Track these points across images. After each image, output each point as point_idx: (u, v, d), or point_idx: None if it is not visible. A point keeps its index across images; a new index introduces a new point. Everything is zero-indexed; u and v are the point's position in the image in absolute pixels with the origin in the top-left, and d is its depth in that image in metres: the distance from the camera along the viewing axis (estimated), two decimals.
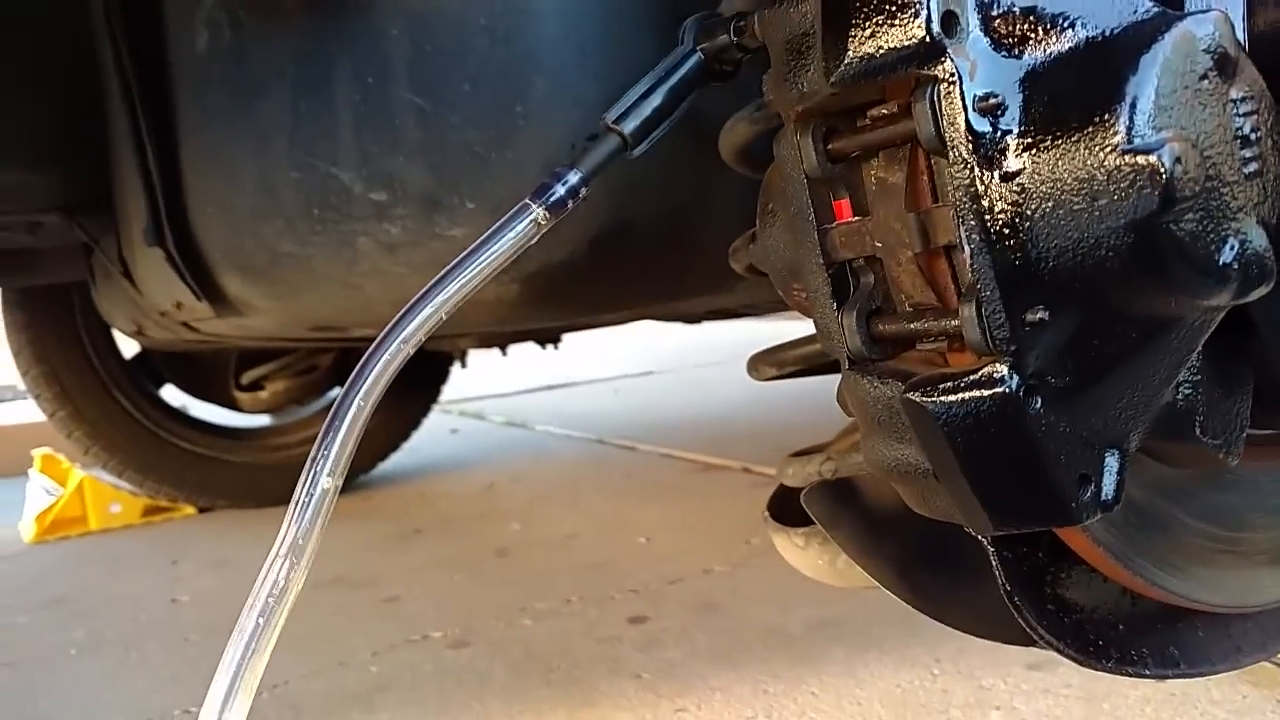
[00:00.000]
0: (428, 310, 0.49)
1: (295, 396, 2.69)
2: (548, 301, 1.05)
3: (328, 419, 0.50)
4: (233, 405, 2.70)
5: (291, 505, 0.51)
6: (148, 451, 2.54)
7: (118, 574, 2.18)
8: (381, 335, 0.49)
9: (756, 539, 1.95)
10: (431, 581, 1.90)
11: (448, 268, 0.50)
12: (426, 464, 3.07)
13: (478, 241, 0.50)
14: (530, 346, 2.87)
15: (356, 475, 2.82)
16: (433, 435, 3.60)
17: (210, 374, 2.66)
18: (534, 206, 0.50)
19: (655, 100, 0.52)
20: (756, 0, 0.53)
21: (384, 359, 0.50)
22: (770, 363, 0.81)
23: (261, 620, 0.50)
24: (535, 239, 0.51)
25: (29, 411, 3.48)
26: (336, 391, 2.71)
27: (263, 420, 2.92)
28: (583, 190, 0.52)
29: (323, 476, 0.49)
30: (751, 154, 0.86)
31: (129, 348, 2.60)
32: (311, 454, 0.50)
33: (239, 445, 2.71)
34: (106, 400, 2.48)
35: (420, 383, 2.84)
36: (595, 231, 0.95)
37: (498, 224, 0.50)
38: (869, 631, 1.43)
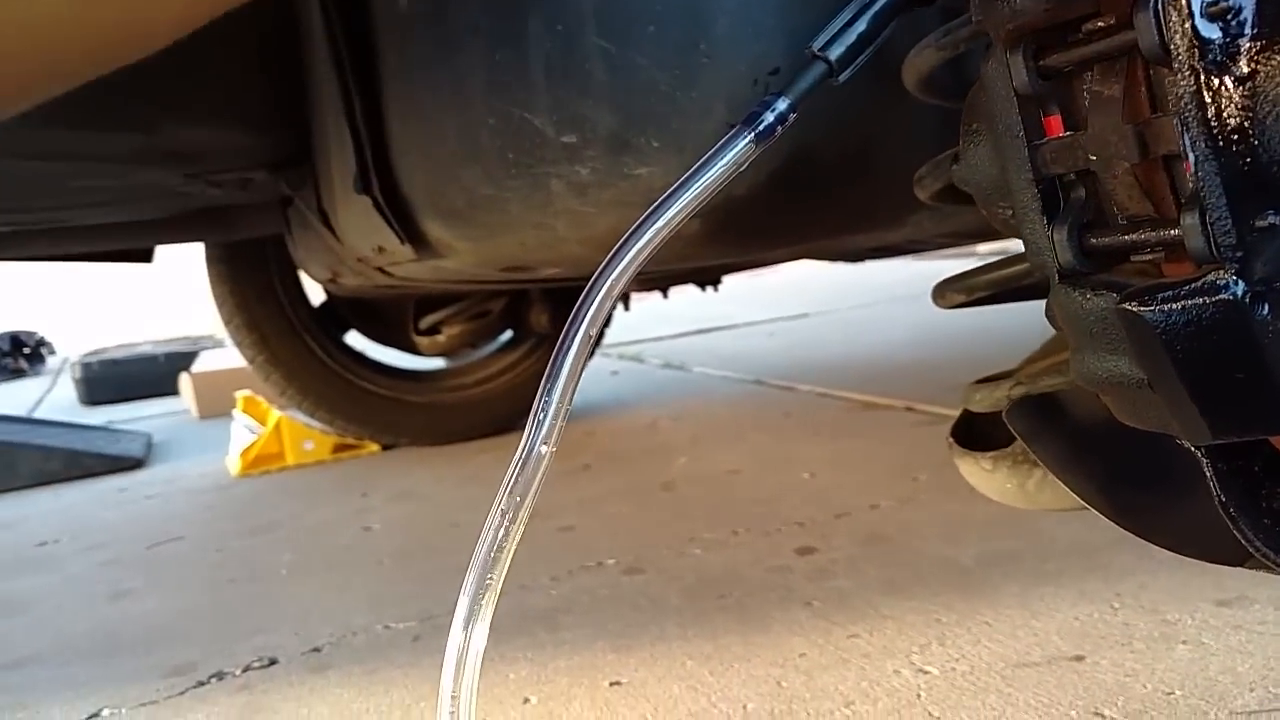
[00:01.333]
0: (648, 236, 0.52)
1: (470, 340, 2.83)
2: (729, 236, 1.08)
3: (557, 346, 0.53)
4: (412, 349, 2.86)
5: (523, 437, 0.55)
6: (336, 393, 2.73)
7: (315, 505, 2.37)
8: (604, 262, 0.53)
9: (923, 475, 1.94)
10: (603, 513, 1.98)
11: (664, 196, 0.52)
12: (591, 404, 3.17)
13: (691, 169, 0.53)
14: (688, 290, 2.91)
15: (524, 414, 2.95)
16: (595, 377, 3.71)
17: (391, 320, 2.82)
18: (745, 133, 0.53)
19: (860, 26, 0.54)
20: None
21: (606, 286, 0.53)
22: (959, 289, 0.81)
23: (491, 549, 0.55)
24: (745, 165, 0.54)
25: (230, 358, 3.78)
26: (507, 335, 2.83)
27: (439, 363, 3.08)
28: (791, 117, 0.54)
29: (552, 405, 0.53)
30: (936, 83, 0.86)
31: (316, 297, 2.79)
32: (545, 377, 0.54)
33: (418, 386, 2.87)
34: (299, 346, 2.67)
35: None
36: (776, 164, 0.97)
37: (710, 151, 0.53)
38: (1044, 567, 1.42)
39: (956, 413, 0.98)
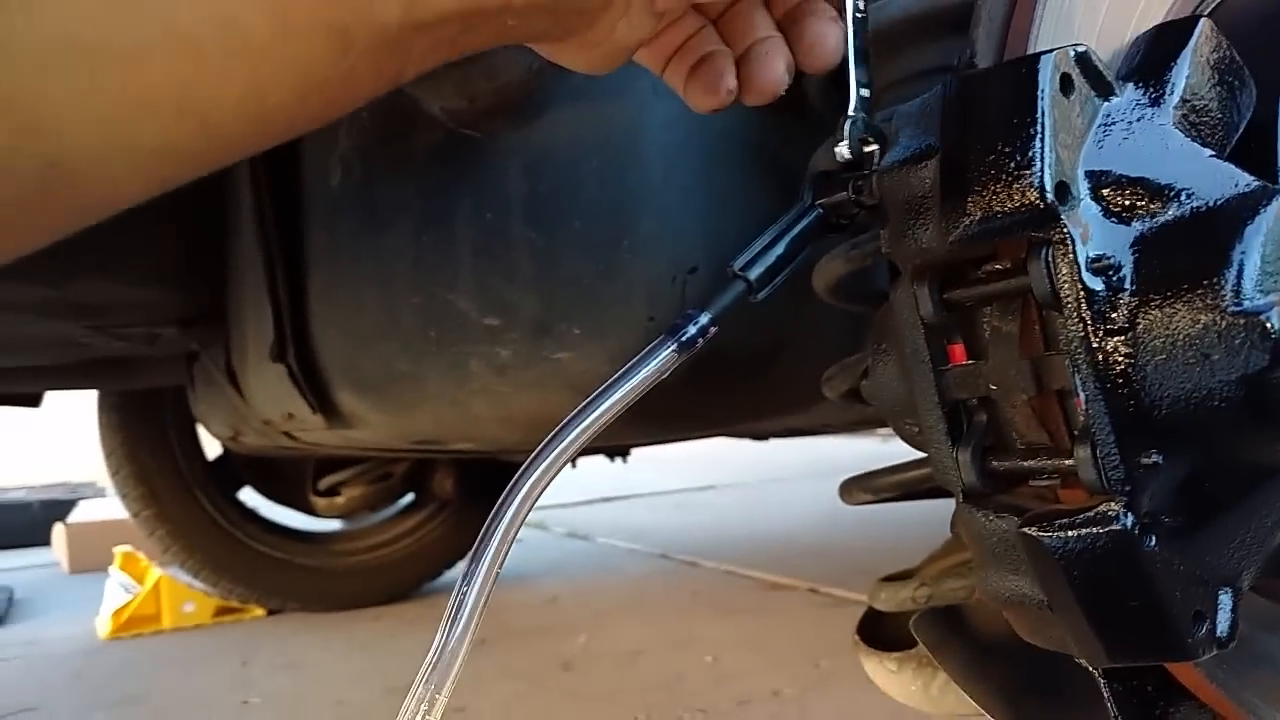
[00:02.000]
0: (574, 434, 0.53)
1: (369, 502, 2.75)
2: (642, 421, 1.09)
3: (477, 541, 0.53)
4: (308, 510, 2.76)
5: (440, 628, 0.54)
6: (224, 552, 2.60)
7: (190, 673, 2.21)
8: (527, 463, 0.53)
9: (825, 661, 1.93)
10: (498, 693, 1.90)
11: (589, 399, 0.54)
12: None
13: (615, 376, 0.54)
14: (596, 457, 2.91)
15: (423, 582, 2.85)
16: None
17: (289, 478, 2.74)
18: (670, 343, 0.55)
19: (778, 250, 0.57)
20: (849, 158, 0.58)
21: (530, 483, 0.53)
22: (865, 489, 0.84)
23: None
24: (669, 373, 0.56)
25: (111, 509, 3.59)
26: (408, 498, 2.76)
27: (334, 525, 2.98)
28: (711, 330, 0.57)
29: (470, 599, 0.52)
30: (843, 289, 0.91)
31: (211, 450, 2.70)
32: (462, 573, 0.53)
33: (310, 549, 2.76)
34: (189, 501, 2.56)
35: (489, 491, 2.89)
36: (689, 360, 1.00)
37: (635, 360, 0.55)
38: None
39: (861, 596, 1.00)
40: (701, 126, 1.01)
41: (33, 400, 2.38)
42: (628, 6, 0.48)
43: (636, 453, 3.51)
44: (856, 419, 1.79)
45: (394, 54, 0.42)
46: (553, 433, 0.54)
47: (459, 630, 0.50)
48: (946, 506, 0.64)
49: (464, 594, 0.54)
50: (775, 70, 0.56)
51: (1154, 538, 0.47)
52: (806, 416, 1.58)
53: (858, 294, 0.93)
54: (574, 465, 3.09)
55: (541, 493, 0.54)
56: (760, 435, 2.55)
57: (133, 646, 2.51)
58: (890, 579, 0.91)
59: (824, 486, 4.94)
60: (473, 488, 2.71)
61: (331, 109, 0.44)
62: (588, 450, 2.23)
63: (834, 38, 0.56)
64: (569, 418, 0.54)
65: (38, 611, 3.02)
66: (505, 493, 0.53)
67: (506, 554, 0.53)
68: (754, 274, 0.58)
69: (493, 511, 0.53)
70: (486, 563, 0.51)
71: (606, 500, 4.91)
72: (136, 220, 1.40)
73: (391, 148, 1.04)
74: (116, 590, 2.73)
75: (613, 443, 1.90)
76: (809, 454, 5.78)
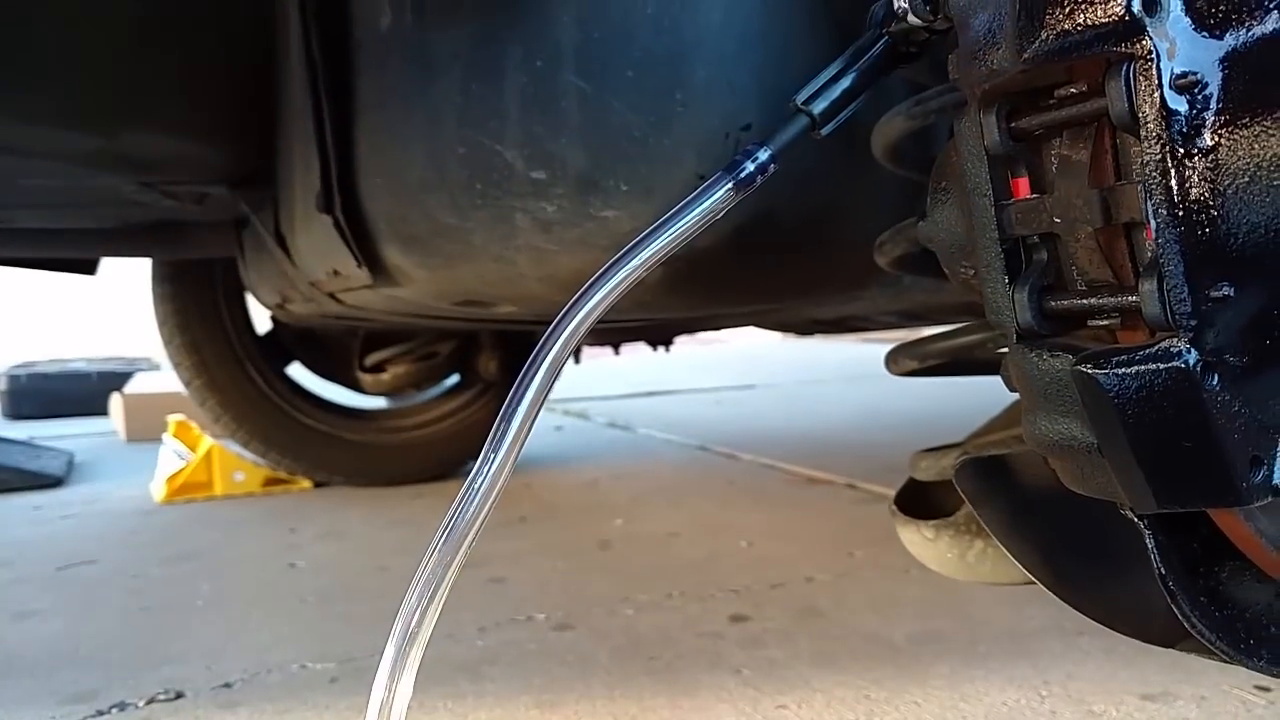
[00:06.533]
0: (619, 276, 0.51)
1: (414, 381, 2.79)
2: (688, 288, 1.08)
3: (515, 385, 0.52)
4: (355, 386, 2.81)
5: (468, 480, 0.53)
6: (272, 425, 2.66)
7: (240, 537, 2.29)
8: (575, 297, 0.51)
9: (859, 551, 1.94)
10: (536, 566, 1.94)
11: (641, 236, 0.52)
12: (532, 458, 3.14)
13: (670, 213, 0.52)
14: (638, 352, 2.91)
15: (465, 462, 2.90)
16: (538, 432, 3.67)
17: (336, 354, 2.78)
18: (726, 180, 0.53)
19: (844, 83, 0.55)
20: None
21: (573, 324, 0.52)
22: (913, 355, 0.82)
23: (421, 604, 0.52)
24: (722, 213, 0.54)
25: (165, 382, 3.69)
26: (453, 379, 2.79)
27: (381, 402, 3.03)
28: (771, 167, 0.54)
29: (502, 449, 0.51)
30: (903, 151, 0.88)
31: (261, 325, 2.74)
32: (499, 418, 0.52)
33: (357, 425, 2.81)
34: (239, 373, 2.61)
35: None
36: (740, 219, 0.98)
37: (690, 196, 0.53)
38: (974, 649, 1.41)
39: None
40: None
41: (89, 267, 2.43)
42: None
43: (678, 353, 3.50)
44: (903, 310, 1.76)
45: None
46: (601, 269, 0.51)
47: (485, 480, 0.50)
48: (990, 402, 0.62)
49: (496, 443, 0.52)
50: None
51: (1216, 377, 0.45)
52: (855, 303, 1.56)
53: (917, 160, 0.89)
54: (617, 351, 3.10)
55: (583, 339, 0.52)
56: (805, 328, 2.53)
57: (185, 510, 2.60)
58: (931, 450, 0.90)
59: (864, 389, 4.91)
60: (516, 370, 2.74)
61: None
62: (632, 334, 2.23)
63: None
64: (619, 255, 0.51)
65: (97, 475, 3.14)
66: (550, 330, 0.51)
67: (541, 405, 0.51)
68: (818, 108, 0.55)
69: (535, 350, 0.51)
70: (524, 406, 0.50)
71: (648, 395, 4.94)
72: (184, 71, 1.39)
73: None
74: (170, 457, 2.82)
75: (657, 315, 1.89)
76: (849, 356, 5.75)
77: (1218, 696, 1.22)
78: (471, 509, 0.54)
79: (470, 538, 0.54)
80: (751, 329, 2.56)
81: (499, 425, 0.53)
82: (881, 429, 3.52)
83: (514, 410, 0.53)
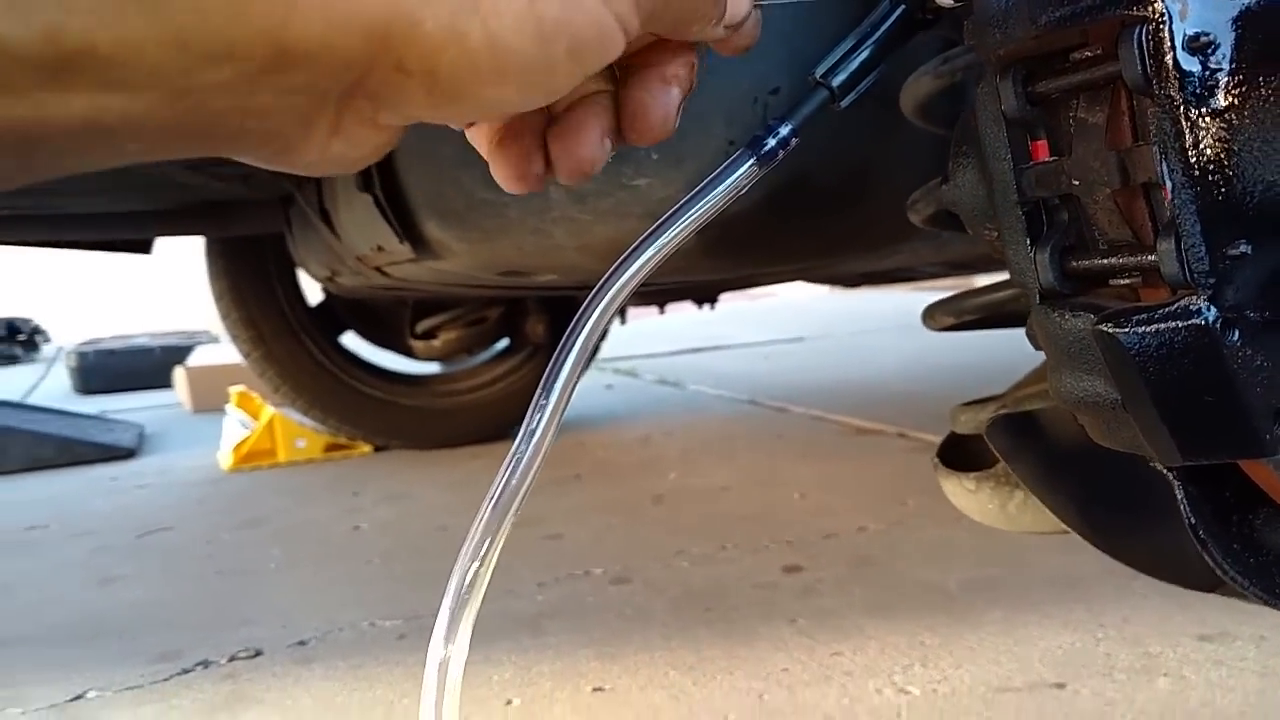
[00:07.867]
0: (649, 252, 0.51)
1: (465, 346, 2.84)
2: (725, 252, 1.09)
3: (556, 352, 0.53)
4: (407, 353, 2.87)
5: (514, 446, 0.55)
6: (330, 393, 2.74)
7: (305, 502, 2.37)
8: (607, 275, 0.53)
9: (912, 500, 1.95)
10: (592, 523, 1.99)
11: (667, 214, 0.53)
12: (584, 416, 3.18)
13: (695, 190, 0.53)
14: (684, 309, 2.93)
15: (518, 423, 2.96)
16: (589, 391, 3.72)
17: (387, 323, 2.84)
18: (749, 156, 0.53)
19: (862, 54, 0.54)
20: None
21: (607, 299, 0.53)
22: (948, 311, 0.83)
23: (474, 565, 0.54)
24: (745, 189, 0.55)
25: (225, 353, 3.79)
26: (503, 343, 2.84)
27: (433, 368, 3.09)
28: (793, 142, 0.54)
29: (548, 410, 0.53)
30: (932, 109, 0.87)
31: (313, 297, 2.80)
32: (542, 382, 0.54)
33: (412, 390, 2.88)
34: (295, 344, 2.68)
35: None
36: (774, 185, 0.99)
37: (714, 173, 0.53)
38: (1028, 595, 1.42)
39: None
40: None
41: (143, 246, 2.50)
42: (337, 126, 0.37)
43: (724, 309, 3.49)
44: (947, 260, 1.75)
45: None
46: (631, 248, 0.52)
47: (533, 440, 0.52)
48: (1025, 335, 0.62)
49: (541, 405, 0.53)
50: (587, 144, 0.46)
51: (1237, 332, 0.46)
52: (896, 257, 1.55)
53: (948, 116, 0.89)
54: (662, 310, 3.10)
55: (617, 311, 0.53)
56: (850, 281, 2.52)
57: (252, 477, 2.69)
58: (972, 403, 0.91)
59: (913, 338, 4.87)
60: (563, 332, 2.77)
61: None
62: (676, 294, 2.24)
63: (660, 108, 0.47)
64: (647, 233, 0.52)
65: (166, 446, 3.26)
66: (584, 306, 0.52)
67: (584, 370, 0.53)
68: (837, 81, 0.55)
69: (572, 323, 0.53)
70: (565, 372, 0.52)
71: (696, 351, 4.96)
72: None
73: None
74: (235, 426, 2.91)
75: (697, 277, 1.90)
76: (900, 305, 5.70)
77: (1277, 636, 1.22)
78: (519, 473, 0.56)
79: (520, 497, 0.56)
80: (799, 283, 2.56)
81: (539, 394, 0.55)
82: (932, 377, 3.51)
83: (554, 382, 0.55)
